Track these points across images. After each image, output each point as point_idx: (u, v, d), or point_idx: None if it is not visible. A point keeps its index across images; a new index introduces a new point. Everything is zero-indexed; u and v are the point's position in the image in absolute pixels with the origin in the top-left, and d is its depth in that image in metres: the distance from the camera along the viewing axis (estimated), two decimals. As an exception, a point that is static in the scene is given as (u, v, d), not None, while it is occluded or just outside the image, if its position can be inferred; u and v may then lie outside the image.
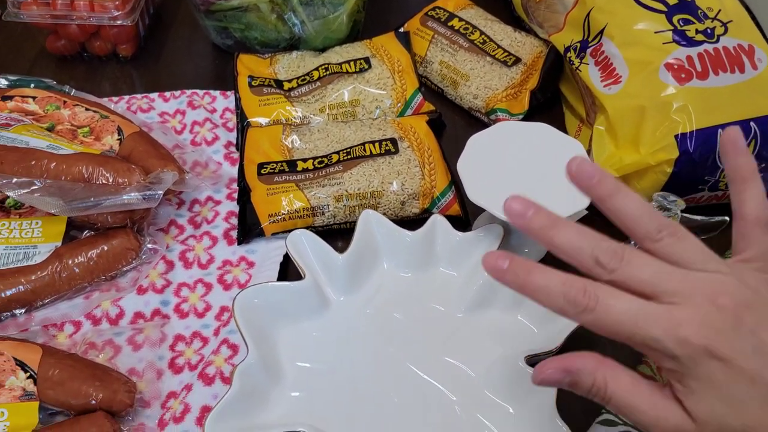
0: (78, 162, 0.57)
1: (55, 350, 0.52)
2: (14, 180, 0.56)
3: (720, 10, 0.60)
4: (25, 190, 0.56)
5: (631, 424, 0.49)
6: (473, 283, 0.57)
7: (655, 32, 0.59)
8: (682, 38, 0.59)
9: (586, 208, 0.59)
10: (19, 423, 0.49)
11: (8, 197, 0.61)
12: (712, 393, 0.33)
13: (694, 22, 0.59)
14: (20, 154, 0.57)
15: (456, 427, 0.51)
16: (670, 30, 0.59)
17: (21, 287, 0.56)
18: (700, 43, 0.58)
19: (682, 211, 0.53)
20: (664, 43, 0.59)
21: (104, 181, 0.57)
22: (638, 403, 0.35)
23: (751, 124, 0.56)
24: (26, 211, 0.61)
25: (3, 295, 0.56)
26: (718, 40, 0.59)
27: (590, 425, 0.50)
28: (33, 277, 0.56)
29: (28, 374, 0.50)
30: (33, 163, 0.57)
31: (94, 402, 0.50)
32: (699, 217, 0.56)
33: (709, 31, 0.59)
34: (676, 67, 0.58)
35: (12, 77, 0.72)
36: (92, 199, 0.56)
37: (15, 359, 0.50)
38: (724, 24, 0.60)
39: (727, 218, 0.55)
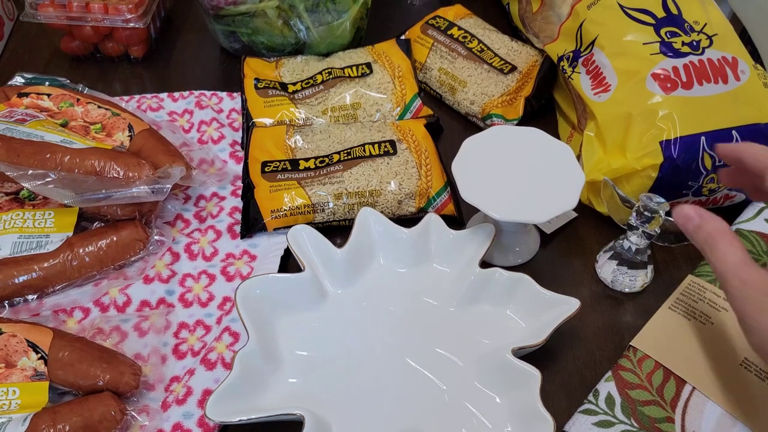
0: (90, 156, 0.60)
1: (65, 333, 0.55)
2: (30, 172, 0.59)
3: (706, 24, 0.63)
4: (40, 182, 0.58)
5: (611, 414, 0.51)
6: (465, 279, 0.59)
7: (644, 44, 0.62)
8: (669, 50, 0.61)
9: (575, 210, 0.62)
10: (30, 401, 0.51)
11: (23, 189, 0.64)
12: None
13: (680, 35, 0.62)
14: (36, 148, 0.60)
15: (445, 414, 0.53)
16: (657, 42, 0.62)
17: (33, 274, 0.59)
18: (686, 54, 0.61)
19: (666, 214, 0.55)
20: (651, 54, 0.62)
21: (115, 175, 0.60)
22: (729, 252, 0.43)
23: (733, 132, 0.59)
24: (39, 202, 0.64)
25: (16, 281, 0.58)
26: (703, 52, 0.61)
27: (572, 415, 0.53)
28: (45, 265, 0.59)
29: (39, 355, 0.52)
30: (48, 156, 0.59)
31: (101, 383, 0.52)
32: None
33: (694, 43, 0.62)
34: (662, 77, 0.60)
35: (28, 75, 0.75)
36: (103, 191, 0.59)
37: (27, 341, 0.53)
38: (710, 37, 0.62)
39: None
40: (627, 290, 0.62)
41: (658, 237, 0.58)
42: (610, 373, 0.54)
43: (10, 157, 0.59)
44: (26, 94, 0.70)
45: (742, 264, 0.42)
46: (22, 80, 0.75)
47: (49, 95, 0.70)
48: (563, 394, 0.56)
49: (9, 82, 0.75)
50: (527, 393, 0.51)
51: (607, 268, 0.62)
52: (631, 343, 0.55)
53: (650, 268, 0.62)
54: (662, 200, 0.55)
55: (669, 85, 0.60)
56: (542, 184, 0.58)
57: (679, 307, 0.56)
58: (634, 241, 0.59)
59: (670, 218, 0.54)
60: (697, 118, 0.59)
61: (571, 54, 0.68)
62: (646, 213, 0.56)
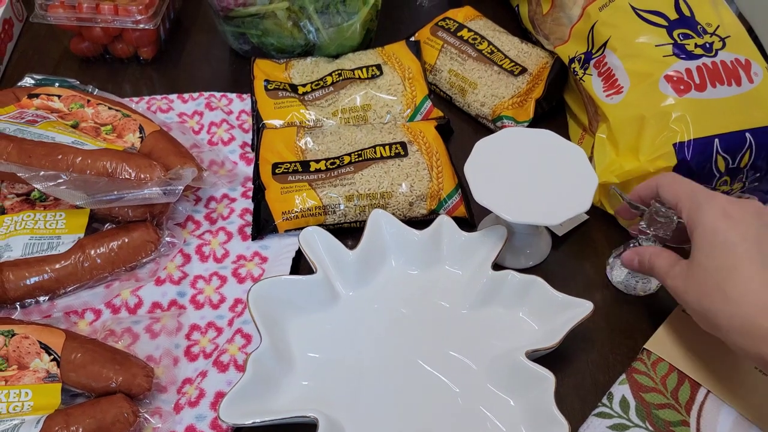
0: (102, 157, 0.60)
1: (78, 335, 0.55)
2: (42, 173, 0.59)
3: (719, 26, 0.63)
4: (52, 183, 0.58)
5: (626, 417, 0.51)
6: (477, 281, 0.59)
7: (656, 45, 0.62)
8: (682, 52, 0.61)
9: (586, 212, 0.61)
10: (43, 403, 0.51)
11: (33, 190, 0.64)
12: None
13: (693, 37, 0.62)
14: (48, 149, 0.60)
15: (459, 417, 0.53)
16: (670, 44, 0.62)
17: (45, 275, 0.59)
18: (699, 56, 0.61)
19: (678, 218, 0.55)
20: (664, 56, 0.61)
21: (127, 176, 0.60)
22: (661, 263, 0.53)
23: (747, 134, 0.59)
24: (51, 203, 0.64)
25: (28, 282, 0.58)
26: (716, 54, 0.61)
27: (587, 418, 0.52)
28: (57, 266, 0.59)
29: (51, 357, 0.52)
30: (60, 157, 0.59)
31: (113, 385, 0.52)
32: None
33: (707, 45, 0.62)
34: (675, 79, 0.60)
35: (37, 76, 0.75)
36: (115, 192, 0.59)
37: (40, 342, 0.53)
38: (722, 39, 0.62)
39: None
40: (641, 294, 0.61)
41: (672, 238, 0.57)
42: (624, 376, 0.53)
43: (22, 158, 0.59)
44: (36, 95, 0.70)
45: (671, 264, 0.52)
46: (32, 81, 0.75)
47: (59, 96, 0.70)
48: (576, 397, 0.55)
49: (19, 83, 0.75)
50: (541, 396, 0.51)
51: (618, 273, 0.62)
52: (644, 346, 0.55)
53: None
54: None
55: (682, 87, 0.60)
56: (555, 186, 0.58)
57: (692, 309, 0.56)
58: (647, 245, 0.58)
59: (682, 220, 0.53)
60: (711, 120, 0.59)
61: (583, 56, 0.68)
62: (659, 219, 0.55)
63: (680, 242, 0.59)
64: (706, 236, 0.48)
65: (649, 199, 0.55)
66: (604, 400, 0.52)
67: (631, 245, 0.60)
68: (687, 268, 0.50)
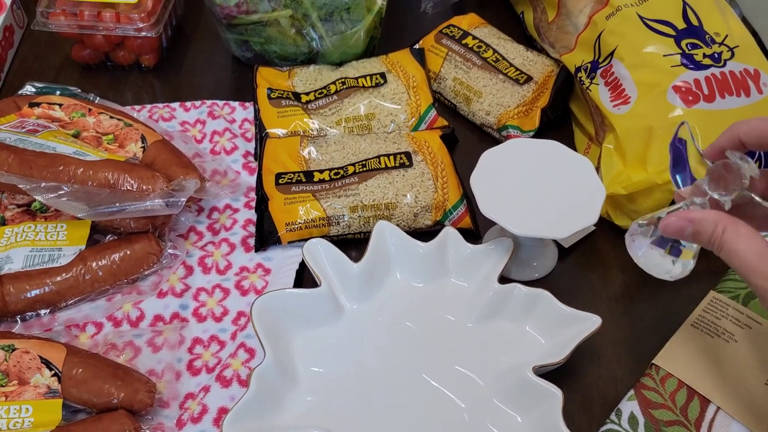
0: (104, 168, 0.59)
1: (79, 350, 0.54)
2: (43, 184, 0.58)
3: (727, 36, 0.62)
4: (53, 195, 0.58)
5: (634, 434, 0.50)
6: (483, 294, 0.58)
7: (664, 55, 0.61)
8: (690, 62, 0.61)
9: (594, 225, 0.61)
10: (43, 419, 0.50)
11: (34, 201, 0.63)
12: None
13: (701, 47, 0.61)
14: (49, 160, 0.59)
15: (464, 433, 0.52)
16: (678, 53, 0.61)
17: (46, 288, 0.58)
18: (708, 67, 0.60)
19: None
20: (672, 66, 0.61)
21: (129, 188, 0.59)
22: (743, 249, 0.38)
23: (756, 146, 0.58)
24: (51, 214, 0.63)
25: (28, 295, 0.58)
26: (724, 65, 0.61)
27: (595, 435, 0.52)
28: (58, 279, 0.58)
29: (52, 372, 0.52)
30: (61, 168, 0.59)
31: (115, 401, 0.51)
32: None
33: (716, 55, 0.61)
34: (683, 89, 0.60)
35: (39, 84, 0.75)
36: (117, 204, 0.58)
37: (41, 357, 0.52)
38: (731, 49, 0.61)
39: None
40: (669, 278, 0.48)
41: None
42: (632, 392, 0.53)
43: (23, 169, 0.59)
44: (37, 104, 0.69)
45: (761, 257, 0.38)
46: (33, 89, 0.75)
47: (60, 105, 0.69)
48: (584, 413, 0.55)
49: (20, 91, 0.74)
50: (548, 412, 0.50)
51: (644, 247, 0.48)
52: (653, 361, 0.54)
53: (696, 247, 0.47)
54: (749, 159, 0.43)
55: (690, 98, 0.59)
56: (562, 199, 0.57)
57: (701, 324, 0.55)
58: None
59: (758, 198, 0.43)
60: (720, 131, 0.58)
61: (589, 65, 0.67)
62: (732, 177, 0.43)
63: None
64: None
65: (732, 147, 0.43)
66: (613, 417, 0.52)
67: (682, 208, 0.46)
68: None
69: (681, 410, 0.51)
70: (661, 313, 0.61)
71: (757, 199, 0.41)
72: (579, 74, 0.68)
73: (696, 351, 0.54)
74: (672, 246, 0.47)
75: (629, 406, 0.52)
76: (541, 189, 0.58)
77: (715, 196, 0.43)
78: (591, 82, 0.67)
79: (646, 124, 0.60)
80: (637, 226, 0.49)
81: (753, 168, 0.43)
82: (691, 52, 0.61)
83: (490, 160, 0.60)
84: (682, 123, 0.48)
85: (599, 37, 0.66)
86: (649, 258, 0.48)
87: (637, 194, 0.61)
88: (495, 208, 0.56)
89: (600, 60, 0.66)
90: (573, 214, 0.56)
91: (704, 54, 0.61)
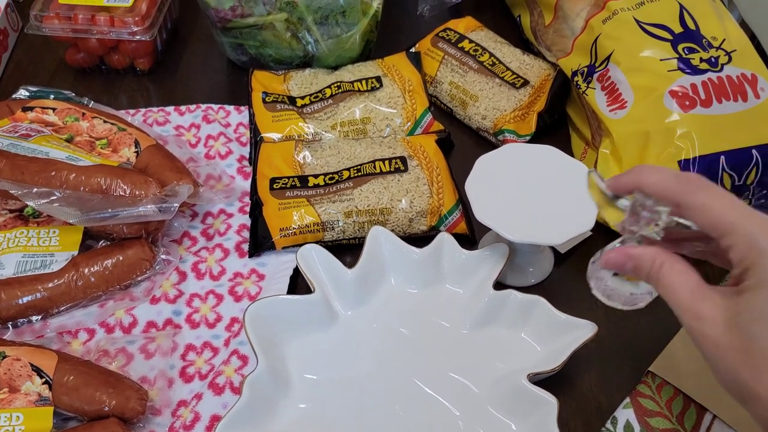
0: (96, 174, 0.59)
1: (70, 357, 0.54)
2: (35, 190, 0.57)
3: (724, 40, 0.62)
4: (45, 200, 0.57)
5: (630, 443, 0.50)
6: (479, 300, 0.58)
7: (661, 60, 0.61)
8: (687, 66, 0.60)
9: (590, 230, 0.60)
10: (34, 427, 0.50)
11: (27, 206, 0.63)
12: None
13: (698, 51, 0.61)
14: (41, 165, 0.59)
15: (459, 441, 0.52)
16: (675, 58, 0.61)
17: (38, 294, 0.57)
18: (705, 71, 0.60)
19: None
20: (669, 71, 0.60)
21: (121, 193, 0.59)
22: (677, 284, 0.38)
23: (753, 151, 0.58)
24: (44, 219, 0.63)
25: (20, 301, 0.57)
26: (722, 69, 0.60)
27: (590, 443, 0.51)
28: (50, 285, 0.58)
29: (43, 380, 0.51)
30: (53, 173, 0.58)
31: (106, 408, 0.51)
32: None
33: (713, 59, 0.61)
34: (680, 94, 0.59)
35: (32, 88, 0.74)
36: (109, 210, 0.58)
37: (31, 365, 0.52)
38: (728, 53, 0.61)
39: None
40: (624, 306, 0.46)
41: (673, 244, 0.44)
42: (628, 400, 0.52)
43: (15, 174, 0.58)
44: (31, 108, 0.68)
45: (695, 296, 0.38)
46: (27, 93, 0.74)
47: (54, 109, 0.69)
48: (580, 421, 0.54)
49: (13, 96, 0.74)
50: (544, 420, 0.50)
51: (596, 281, 0.46)
52: (649, 369, 0.53)
53: None
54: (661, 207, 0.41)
55: (687, 103, 0.59)
56: (558, 204, 0.57)
57: (698, 331, 0.55)
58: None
59: (680, 220, 0.41)
60: (717, 136, 0.58)
61: (586, 69, 0.67)
62: (644, 213, 0.42)
63: (684, 251, 0.46)
64: None
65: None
66: (608, 425, 0.51)
67: (617, 245, 0.44)
68: (726, 317, 0.36)
69: (677, 418, 0.50)
70: (657, 319, 0.60)
71: (683, 221, 0.40)
72: (575, 78, 0.68)
73: (693, 359, 0.53)
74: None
75: (625, 413, 0.51)
76: (537, 195, 0.58)
77: (642, 233, 0.43)
78: (587, 86, 0.66)
79: (643, 129, 0.60)
80: (591, 264, 0.46)
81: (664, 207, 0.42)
82: (688, 56, 0.61)
83: (485, 165, 0.60)
84: (590, 171, 0.46)
85: (596, 41, 0.66)
86: (606, 289, 0.46)
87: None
88: (490, 214, 0.56)
89: (596, 64, 0.66)
90: (569, 220, 0.56)
91: (701, 58, 0.61)
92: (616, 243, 0.44)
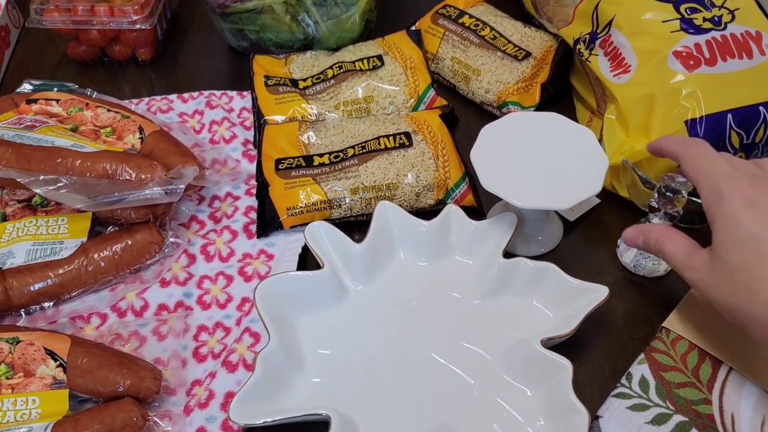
0: (102, 159, 0.59)
1: (83, 340, 0.54)
2: (41, 177, 0.58)
3: (727, -1, 0.61)
4: (52, 187, 0.57)
5: (645, 397, 0.49)
6: (488, 270, 0.58)
7: (663, 21, 0.60)
8: (690, 26, 0.60)
9: (597, 196, 0.60)
10: (50, 410, 0.50)
11: (35, 196, 0.63)
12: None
13: (701, 11, 0.60)
14: (47, 153, 0.59)
15: (475, 409, 0.52)
16: (677, 19, 0.60)
17: (49, 281, 0.58)
18: (708, 30, 0.59)
19: (688, 194, 0.53)
20: (671, 32, 0.60)
21: (127, 177, 0.59)
22: (675, 251, 0.48)
23: (760, 108, 0.57)
24: (52, 208, 0.63)
25: (32, 288, 0.57)
26: (725, 28, 0.60)
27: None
28: (60, 271, 0.58)
29: (57, 363, 0.52)
30: (59, 161, 0.58)
31: (121, 389, 0.51)
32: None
33: (716, 18, 0.60)
34: (684, 54, 0.59)
35: (36, 82, 0.75)
36: (116, 194, 0.58)
37: (45, 349, 0.52)
38: (731, 12, 0.60)
39: None
40: (650, 275, 0.60)
41: (681, 218, 0.56)
42: (642, 356, 0.52)
43: (21, 163, 0.58)
44: (35, 101, 0.69)
45: (688, 255, 0.47)
46: (31, 87, 0.74)
47: (57, 101, 0.69)
48: (595, 385, 0.54)
49: (17, 90, 0.75)
50: (559, 385, 0.50)
51: (629, 253, 0.60)
52: (663, 325, 0.53)
53: None
54: (684, 179, 0.53)
55: (692, 63, 0.58)
56: (565, 170, 0.56)
57: (711, 289, 0.54)
58: (656, 223, 0.56)
59: (694, 198, 0.52)
60: (723, 95, 0.57)
61: (588, 36, 0.66)
62: (668, 193, 0.53)
63: (691, 223, 0.57)
64: (728, 229, 0.43)
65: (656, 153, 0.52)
66: (623, 381, 0.51)
67: (648, 222, 0.57)
68: (709, 261, 0.45)
69: (692, 372, 0.50)
70: (669, 283, 0.60)
71: (695, 199, 0.51)
72: (578, 46, 0.68)
73: (706, 313, 0.53)
74: None
75: (640, 369, 0.51)
76: (543, 161, 0.57)
77: (665, 209, 0.54)
78: (590, 54, 0.66)
79: (648, 91, 0.59)
80: (621, 241, 0.61)
81: (688, 185, 0.53)
82: (691, 16, 0.60)
83: (490, 134, 0.59)
84: (623, 161, 0.59)
85: (597, 7, 0.65)
86: (634, 261, 0.60)
87: (642, 163, 0.60)
88: (497, 182, 0.56)
89: (598, 30, 0.65)
90: (576, 184, 0.55)
91: (704, 18, 0.60)
92: (647, 220, 0.56)
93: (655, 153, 0.53)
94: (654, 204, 0.55)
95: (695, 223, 0.58)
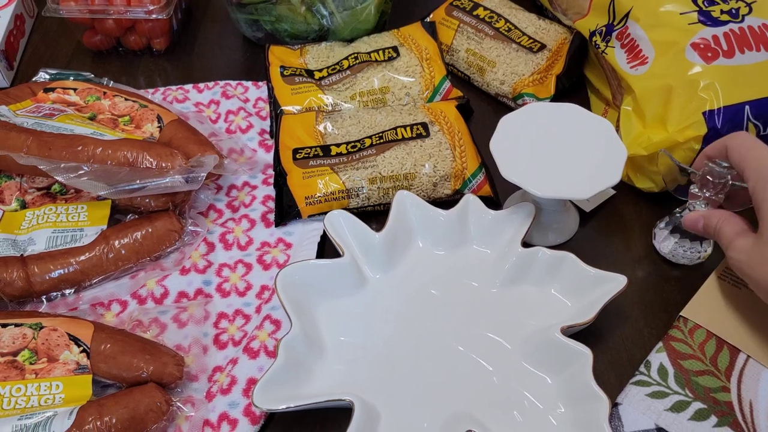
0: (122, 147, 0.59)
1: (106, 326, 0.54)
2: (62, 165, 0.58)
3: (744, -9, 0.62)
4: (73, 175, 0.58)
5: (664, 384, 0.50)
6: (506, 259, 0.58)
7: (681, 14, 0.61)
8: (708, 18, 0.60)
9: (613, 187, 0.60)
10: (74, 395, 0.51)
11: (54, 183, 0.64)
12: None
13: (718, 3, 0.61)
14: (67, 141, 0.59)
15: (495, 397, 0.52)
16: (695, 11, 0.61)
17: (70, 268, 0.58)
18: (725, 23, 0.60)
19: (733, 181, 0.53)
20: (689, 24, 0.60)
21: (148, 165, 0.59)
22: (729, 232, 0.50)
23: (777, 100, 0.58)
24: (72, 196, 0.63)
25: (53, 275, 0.58)
26: (743, 20, 0.60)
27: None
28: (81, 258, 0.58)
29: (81, 348, 0.52)
30: (80, 148, 0.59)
31: (144, 374, 0.52)
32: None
33: (733, 11, 0.60)
34: (702, 46, 0.59)
35: (52, 71, 0.75)
36: (137, 181, 0.58)
37: (68, 334, 0.52)
38: (749, 4, 0.61)
39: None
40: (688, 263, 0.61)
41: (729, 203, 0.55)
42: (661, 344, 0.53)
43: (42, 151, 0.59)
44: (52, 89, 0.69)
45: (736, 235, 0.49)
46: (47, 76, 0.75)
47: (75, 90, 0.69)
48: (613, 373, 0.55)
49: (33, 79, 0.75)
50: (579, 372, 0.50)
51: (666, 243, 0.61)
52: (681, 314, 0.54)
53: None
54: (727, 164, 0.52)
55: (710, 55, 0.58)
56: (583, 160, 0.57)
57: (728, 275, 0.55)
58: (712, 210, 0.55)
59: (737, 183, 0.52)
60: (741, 87, 0.58)
61: (604, 28, 0.67)
62: (714, 180, 0.53)
63: (737, 206, 0.56)
64: None
65: (719, 159, 0.53)
66: (642, 369, 0.52)
67: (689, 209, 0.56)
68: (754, 243, 0.47)
69: (711, 360, 0.51)
70: (686, 272, 0.60)
71: (738, 183, 0.52)
72: (594, 38, 0.68)
73: (723, 302, 0.53)
74: (691, 238, 0.59)
75: (658, 357, 0.51)
76: (562, 152, 0.58)
77: (707, 195, 0.54)
78: (606, 46, 0.66)
79: (665, 83, 0.60)
80: (663, 225, 0.61)
81: (731, 170, 0.53)
82: (709, 8, 0.61)
83: (508, 124, 0.60)
84: (660, 150, 0.59)
85: (613, -1, 0.66)
86: (673, 249, 0.60)
87: (657, 154, 0.60)
88: (516, 171, 0.56)
89: (615, 23, 0.66)
90: (595, 175, 0.56)
91: (722, 10, 0.60)
92: (687, 207, 0.57)
93: (699, 164, 0.54)
94: (695, 191, 0.55)
95: (736, 208, 0.57)
